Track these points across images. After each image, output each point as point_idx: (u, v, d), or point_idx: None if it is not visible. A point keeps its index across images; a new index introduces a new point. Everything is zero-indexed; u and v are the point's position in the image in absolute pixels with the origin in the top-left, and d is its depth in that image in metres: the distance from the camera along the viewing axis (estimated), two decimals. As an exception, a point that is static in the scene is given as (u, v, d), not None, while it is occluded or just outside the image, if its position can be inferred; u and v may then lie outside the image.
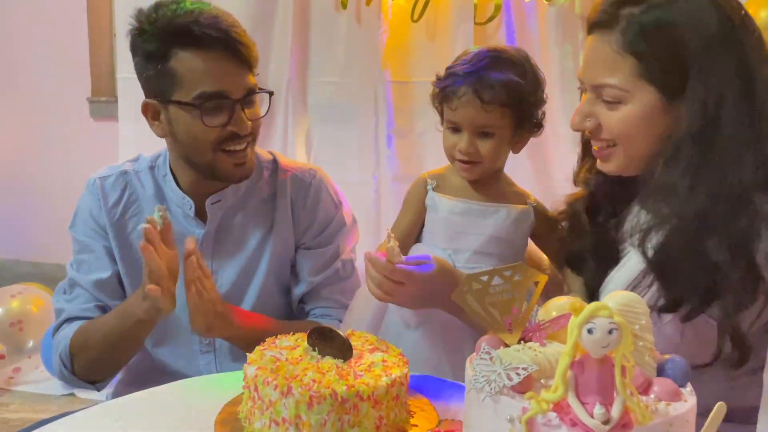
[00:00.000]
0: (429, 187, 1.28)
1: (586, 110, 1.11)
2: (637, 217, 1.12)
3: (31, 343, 2.62)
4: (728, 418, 1.10)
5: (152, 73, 1.29)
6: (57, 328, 1.39)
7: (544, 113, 1.27)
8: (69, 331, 1.35)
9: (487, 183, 1.28)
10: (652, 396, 0.66)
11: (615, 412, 0.60)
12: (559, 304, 0.79)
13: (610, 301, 0.70)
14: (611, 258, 1.16)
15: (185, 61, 1.26)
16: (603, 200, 1.21)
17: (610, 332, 0.59)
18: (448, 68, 1.24)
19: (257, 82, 1.33)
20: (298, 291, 1.45)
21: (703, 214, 1.00)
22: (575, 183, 1.27)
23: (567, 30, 2.37)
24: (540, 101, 1.25)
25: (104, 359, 1.34)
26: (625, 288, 1.10)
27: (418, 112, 2.49)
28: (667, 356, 0.72)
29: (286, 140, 2.65)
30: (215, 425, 0.90)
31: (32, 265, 3.24)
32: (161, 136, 1.36)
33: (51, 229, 3.12)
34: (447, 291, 0.95)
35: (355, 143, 2.63)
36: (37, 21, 3.15)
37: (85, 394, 2.26)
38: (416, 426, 0.91)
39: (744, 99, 1.03)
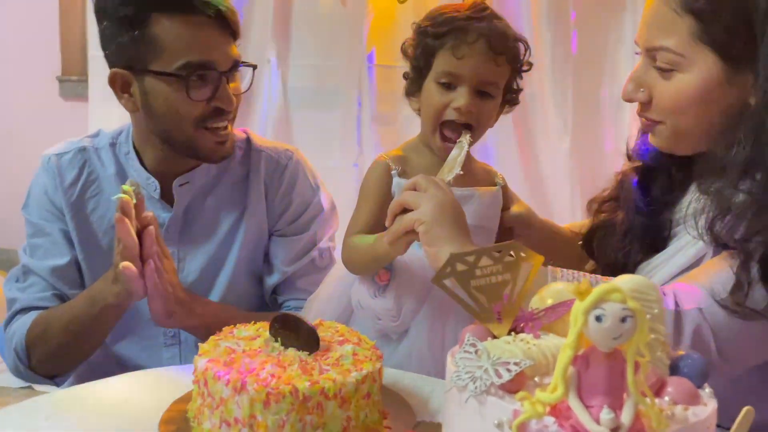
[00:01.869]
0: (393, 173, 1.10)
1: (638, 78, 1.01)
2: (696, 202, 1.01)
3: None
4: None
5: (126, 40, 1.17)
6: (10, 320, 1.27)
7: (520, 89, 1.14)
8: (24, 322, 1.24)
9: None
10: (666, 398, 0.55)
11: (625, 417, 0.49)
12: (555, 289, 0.69)
13: (622, 284, 0.59)
14: (659, 239, 1.07)
15: (168, 28, 1.15)
16: (659, 175, 1.10)
17: (623, 320, 0.48)
18: (437, 15, 1.07)
19: (239, 54, 1.23)
20: (271, 281, 1.35)
21: None
22: (629, 158, 1.16)
23: (559, 13, 2.29)
24: (527, 68, 1.12)
25: (66, 351, 1.22)
26: (668, 277, 1.01)
27: (403, 97, 2.40)
28: (681, 352, 0.62)
29: (265, 125, 2.56)
30: (159, 425, 0.79)
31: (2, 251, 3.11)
32: (131, 111, 1.24)
33: (11, 212, 2.98)
34: (460, 221, 0.97)
35: (337, 129, 2.55)
36: (6, -2, 3.02)
37: (44, 387, 2.14)
38: (389, 428, 0.81)
39: None
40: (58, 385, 1.28)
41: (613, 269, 1.12)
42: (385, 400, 0.86)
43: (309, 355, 0.79)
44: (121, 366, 1.30)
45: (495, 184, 1.16)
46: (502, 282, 0.65)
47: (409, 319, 1.06)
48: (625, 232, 1.11)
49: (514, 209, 1.21)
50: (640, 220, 1.10)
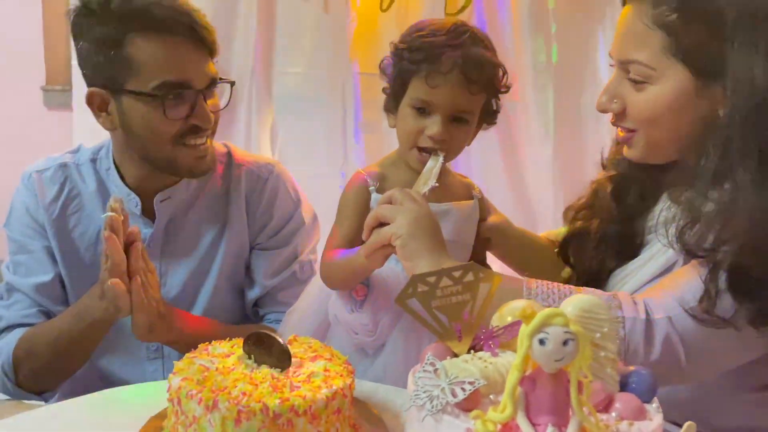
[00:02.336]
0: (371, 189, 1.11)
1: (612, 90, 1.04)
2: (667, 211, 1.04)
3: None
4: None
5: (102, 60, 1.18)
6: None
7: (499, 107, 1.15)
8: (10, 339, 1.25)
9: None
10: (613, 414, 0.58)
11: (570, 435, 0.52)
12: (515, 307, 0.71)
13: (569, 305, 0.62)
14: (633, 247, 1.10)
15: (144, 48, 1.16)
16: (632, 184, 1.13)
17: (565, 343, 0.51)
18: (415, 38, 1.07)
19: (218, 71, 1.25)
20: (252, 294, 1.36)
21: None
22: (603, 167, 1.19)
23: (539, 23, 2.32)
24: (505, 90, 1.14)
25: (53, 367, 1.24)
26: (641, 283, 1.03)
27: (387, 106, 2.43)
28: (631, 368, 0.65)
29: (249, 133, 2.58)
30: (136, 441, 0.81)
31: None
32: (109, 129, 1.26)
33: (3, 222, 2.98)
34: (436, 235, 0.99)
35: (322, 137, 2.56)
36: (-11, 6, 3.02)
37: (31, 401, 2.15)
38: (361, 442, 0.83)
39: None
40: (45, 400, 1.29)
41: (587, 276, 1.15)
42: (359, 414, 0.89)
43: (281, 372, 0.82)
44: (105, 380, 1.31)
45: (472, 197, 1.18)
46: (462, 302, 0.68)
47: (385, 334, 1.08)
48: (600, 239, 1.14)
49: (491, 220, 1.23)
50: (613, 228, 1.13)
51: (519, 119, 2.43)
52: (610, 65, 1.09)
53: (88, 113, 1.29)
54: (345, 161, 2.55)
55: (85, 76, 1.23)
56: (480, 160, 2.50)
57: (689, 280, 0.95)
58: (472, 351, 0.67)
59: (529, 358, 0.52)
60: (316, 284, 1.18)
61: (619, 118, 1.06)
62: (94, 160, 1.33)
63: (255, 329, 1.25)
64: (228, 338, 0.92)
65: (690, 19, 0.96)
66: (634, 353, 0.90)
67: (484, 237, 1.22)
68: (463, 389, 0.57)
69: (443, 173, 1.10)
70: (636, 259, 1.08)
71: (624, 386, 0.63)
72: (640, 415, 0.59)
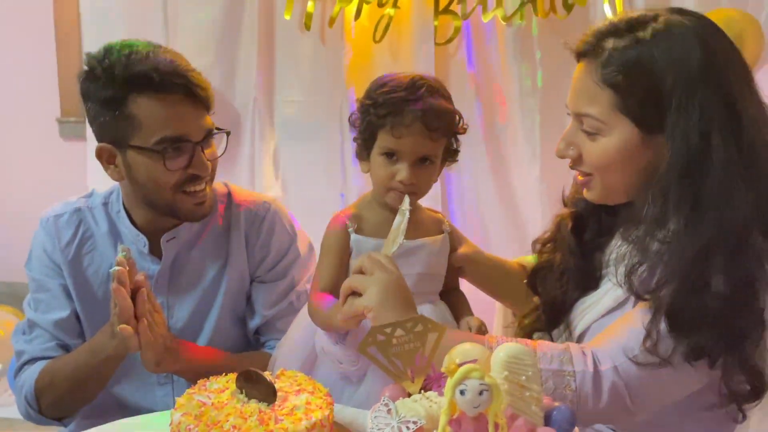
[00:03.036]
0: (350, 230, 1.23)
1: (568, 138, 1.15)
2: (619, 249, 1.15)
3: (0, 366, 2.64)
4: None
5: (108, 119, 1.30)
6: (18, 370, 1.40)
7: (459, 145, 1.27)
8: (32, 372, 1.36)
9: None
10: (534, 446, 0.70)
11: (490, 467, 0.64)
12: (463, 350, 0.83)
13: (501, 351, 0.74)
14: (592, 280, 1.20)
15: (144, 107, 1.27)
16: (590, 221, 1.24)
17: (480, 393, 0.62)
18: (379, 94, 1.18)
19: (213, 123, 1.36)
20: (253, 324, 1.47)
21: (704, 253, 1.01)
22: (565, 204, 1.30)
23: (524, 49, 2.43)
24: (462, 132, 1.26)
25: (72, 396, 1.36)
26: (597, 315, 1.14)
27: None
28: (557, 404, 0.76)
29: (253, 158, 2.69)
30: (144, 468, 0.94)
31: (4, 284, 3.26)
32: (117, 180, 1.37)
33: (22, 248, 3.13)
34: (406, 303, 1.07)
35: (322, 161, 2.67)
36: (4, 42, 3.17)
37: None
38: (339, 466, 0.95)
39: (731, 133, 1.04)
40: (65, 425, 1.41)
41: (552, 306, 1.26)
42: (340, 437, 1.00)
43: (268, 406, 0.93)
44: (119, 405, 1.42)
45: (442, 231, 1.29)
46: (414, 348, 0.80)
47: (366, 364, 1.17)
48: (562, 272, 1.25)
49: (462, 250, 1.33)
50: (574, 261, 1.23)
51: (508, 141, 2.54)
52: (567, 114, 1.20)
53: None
54: (344, 183, 2.67)
55: (94, 132, 1.35)
56: (471, 180, 2.61)
57: (633, 328, 1.06)
58: (422, 391, 0.79)
59: (454, 404, 0.64)
60: (302, 318, 1.28)
61: (576, 162, 1.17)
62: (105, 204, 1.45)
63: (258, 357, 1.39)
64: (231, 366, 1.05)
65: (634, 81, 1.07)
66: (585, 402, 1.02)
67: (456, 266, 1.33)
68: (408, 428, 0.69)
69: (414, 211, 1.22)
70: (594, 293, 1.18)
71: (547, 420, 0.74)
72: (558, 446, 0.70)
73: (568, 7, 2.29)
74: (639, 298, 1.08)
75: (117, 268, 1.19)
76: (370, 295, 1.08)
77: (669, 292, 1.03)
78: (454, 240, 1.32)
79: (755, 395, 1.03)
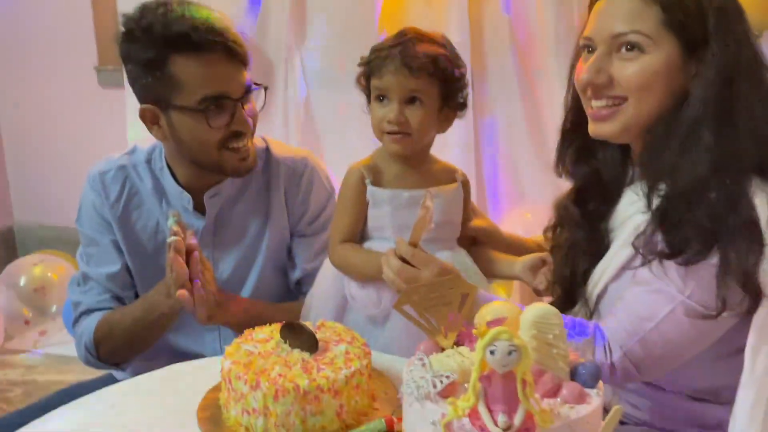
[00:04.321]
0: (367, 182, 1.27)
1: (598, 63, 1.12)
2: (625, 211, 1.17)
3: (54, 308, 2.80)
4: (712, 399, 1.20)
5: (150, 81, 1.32)
6: (77, 319, 1.48)
7: (467, 96, 1.30)
8: (90, 322, 1.44)
9: (417, 166, 1.30)
10: (558, 399, 0.75)
11: (517, 419, 0.69)
12: (494, 308, 0.88)
13: (530, 312, 0.78)
14: (601, 249, 1.21)
15: (185, 67, 1.30)
16: (591, 191, 1.24)
17: (509, 353, 0.67)
18: (372, 51, 1.26)
19: (250, 78, 1.39)
20: (294, 276, 1.53)
21: (706, 179, 1.06)
22: (556, 173, 1.30)
23: (561, -7, 2.38)
24: (464, 82, 1.28)
25: (129, 346, 1.44)
26: (610, 276, 1.17)
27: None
28: (582, 360, 0.81)
29: (287, 107, 2.72)
30: (198, 410, 1.02)
31: (54, 229, 3.41)
32: (162, 140, 1.40)
33: (67, 195, 3.28)
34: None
35: (355, 108, 2.67)
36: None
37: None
38: (377, 410, 1.02)
39: (756, 72, 1.09)
40: (123, 369, 1.51)
41: (565, 284, 1.26)
42: (377, 383, 1.07)
43: (310, 355, 1.00)
44: (172, 350, 1.51)
45: (455, 180, 1.33)
46: (446, 307, 0.84)
47: (389, 306, 1.22)
48: (569, 247, 1.26)
49: (477, 223, 1.38)
50: (580, 233, 1.24)
51: (543, 86, 2.52)
52: (582, 47, 1.17)
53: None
54: (377, 131, 2.70)
55: (136, 93, 1.39)
56: (505, 125, 2.61)
57: (634, 308, 1.11)
58: (455, 346, 0.84)
59: (485, 362, 0.69)
60: (329, 268, 1.34)
61: (605, 88, 1.13)
62: (149, 161, 1.48)
63: (293, 307, 1.46)
64: (274, 316, 1.13)
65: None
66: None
67: (470, 235, 1.37)
68: (441, 381, 0.75)
69: (426, 161, 1.29)
70: (603, 259, 1.19)
71: (573, 374, 0.79)
72: (582, 399, 0.75)
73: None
74: (644, 256, 1.10)
75: (174, 238, 1.24)
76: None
77: (659, 196, 1.08)
78: (467, 191, 1.36)
79: (751, 307, 1.05)
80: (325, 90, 2.69)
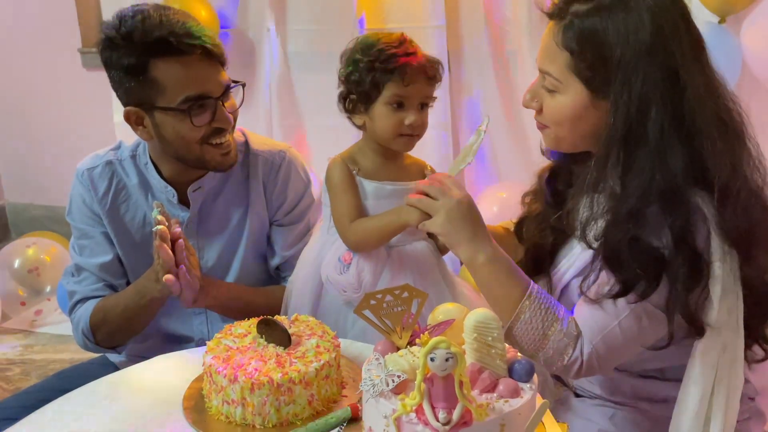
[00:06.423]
0: (355, 172, 1.37)
1: (533, 91, 1.26)
2: (585, 208, 1.25)
3: (48, 288, 2.89)
4: (659, 377, 1.31)
5: (133, 85, 1.38)
6: (72, 308, 1.56)
7: None
8: (86, 310, 1.53)
9: (393, 161, 1.42)
10: (495, 394, 0.85)
11: (456, 415, 0.80)
12: (446, 309, 0.98)
13: (471, 317, 0.88)
14: (565, 228, 1.31)
15: (166, 71, 1.36)
16: (562, 172, 1.36)
17: (447, 360, 0.77)
18: (376, 52, 1.33)
19: (229, 77, 1.46)
20: (274, 263, 1.63)
21: (636, 213, 1.13)
22: (543, 153, 1.41)
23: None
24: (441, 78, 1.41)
25: (122, 330, 1.52)
26: (574, 274, 1.27)
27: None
28: (519, 356, 0.91)
29: (269, 88, 2.77)
30: (183, 399, 1.13)
31: (44, 208, 3.49)
32: (147, 140, 1.47)
33: (56, 175, 3.35)
34: (473, 224, 1.21)
35: (335, 89, 2.74)
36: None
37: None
38: (346, 396, 1.13)
39: (670, 105, 1.12)
40: (119, 353, 1.61)
41: (533, 252, 1.39)
42: (346, 371, 1.18)
43: (284, 349, 1.11)
44: (163, 333, 1.62)
45: (425, 176, 1.43)
46: (401, 311, 0.95)
47: (367, 290, 1.32)
48: (541, 220, 1.38)
49: None
50: (548, 209, 1.36)
51: (517, 67, 2.59)
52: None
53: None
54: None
55: (119, 97, 1.45)
56: (481, 105, 2.68)
57: (596, 313, 1.19)
58: (409, 346, 0.95)
59: (428, 366, 0.79)
60: (308, 253, 1.46)
61: (537, 113, 1.27)
62: (133, 157, 1.56)
63: (274, 290, 1.57)
64: (253, 299, 1.30)
65: (587, 49, 1.15)
66: (567, 373, 1.21)
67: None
68: (393, 381, 0.85)
69: (400, 157, 1.40)
70: (570, 252, 1.30)
71: (511, 370, 0.90)
72: (516, 393, 0.86)
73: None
74: (591, 248, 1.20)
75: (158, 227, 1.33)
76: (437, 220, 1.23)
77: (599, 236, 1.17)
78: None
79: (696, 334, 1.16)
80: (308, 71, 2.74)
